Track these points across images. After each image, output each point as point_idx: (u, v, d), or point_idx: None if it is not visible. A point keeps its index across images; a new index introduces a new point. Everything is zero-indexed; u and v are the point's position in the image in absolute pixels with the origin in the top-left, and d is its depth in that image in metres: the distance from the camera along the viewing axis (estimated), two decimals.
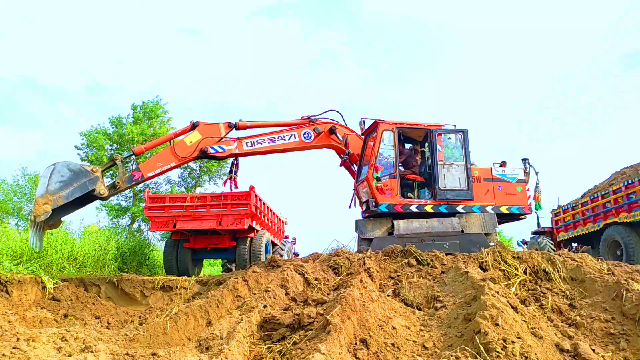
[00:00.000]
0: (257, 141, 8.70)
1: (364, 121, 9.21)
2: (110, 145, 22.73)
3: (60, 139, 52.88)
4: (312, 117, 9.07)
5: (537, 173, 9.59)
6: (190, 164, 21.90)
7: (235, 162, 9.35)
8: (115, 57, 58.59)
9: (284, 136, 8.77)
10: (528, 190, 9.42)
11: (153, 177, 8.13)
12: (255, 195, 10.70)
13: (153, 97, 34.37)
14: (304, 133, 8.87)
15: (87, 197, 7.41)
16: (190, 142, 8.13)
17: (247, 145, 8.69)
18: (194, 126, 8.27)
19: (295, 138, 8.83)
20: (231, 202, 10.09)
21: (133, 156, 8.18)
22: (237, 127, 8.86)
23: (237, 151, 8.69)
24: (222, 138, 8.59)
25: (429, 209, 8.85)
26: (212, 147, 8.43)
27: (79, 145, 22.58)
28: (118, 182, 7.66)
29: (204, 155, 8.41)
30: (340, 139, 8.97)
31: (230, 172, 9.42)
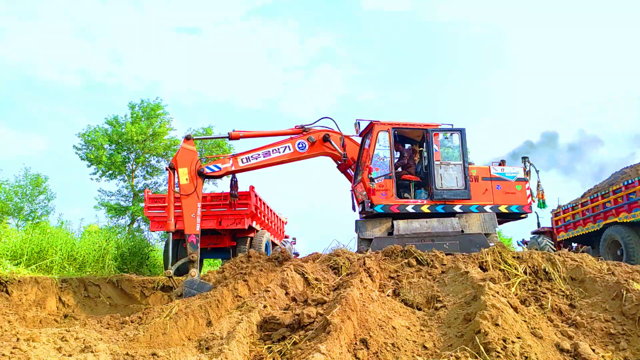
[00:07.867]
0: (252, 156, 8.79)
1: (359, 123, 9.24)
2: (109, 145, 22.71)
3: (60, 138, 52.94)
4: (306, 127, 9.16)
5: (537, 172, 9.56)
6: None
7: (234, 181, 9.46)
8: (113, 57, 58.62)
9: (278, 149, 8.88)
10: (528, 189, 9.38)
11: (200, 228, 8.27)
12: (255, 195, 10.73)
13: (152, 96, 34.37)
14: (298, 143, 8.95)
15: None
16: (186, 178, 8.16)
17: (242, 162, 8.77)
18: (172, 167, 8.31)
19: (289, 149, 8.91)
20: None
21: (171, 234, 8.26)
22: (230, 137, 8.97)
23: (233, 168, 8.77)
24: (215, 157, 8.65)
25: (425, 209, 8.85)
26: (207, 167, 8.53)
27: (77, 145, 22.59)
28: (192, 256, 7.93)
29: (203, 176, 8.51)
30: (335, 146, 9.02)
31: (231, 194, 9.57)
